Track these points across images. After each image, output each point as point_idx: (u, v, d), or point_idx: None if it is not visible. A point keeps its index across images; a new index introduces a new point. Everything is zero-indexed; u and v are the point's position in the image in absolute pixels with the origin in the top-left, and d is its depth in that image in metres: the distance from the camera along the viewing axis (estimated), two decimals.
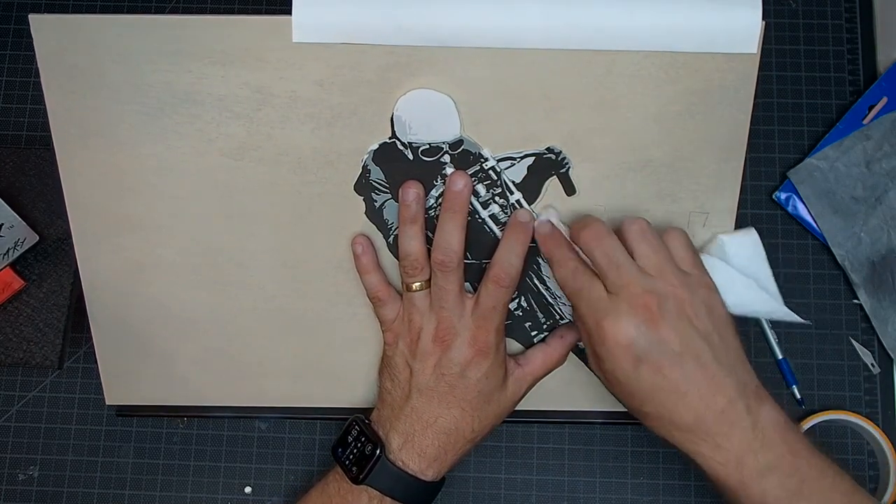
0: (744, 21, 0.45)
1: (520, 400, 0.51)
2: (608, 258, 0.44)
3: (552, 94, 0.47)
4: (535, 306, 0.52)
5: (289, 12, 0.45)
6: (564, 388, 0.55)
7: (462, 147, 0.49)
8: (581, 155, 0.49)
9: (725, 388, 0.42)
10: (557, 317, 0.52)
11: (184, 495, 0.58)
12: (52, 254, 0.57)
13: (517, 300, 0.52)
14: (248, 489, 0.58)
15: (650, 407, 0.44)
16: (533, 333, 0.53)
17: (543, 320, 0.53)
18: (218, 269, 0.52)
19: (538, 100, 0.47)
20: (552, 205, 0.50)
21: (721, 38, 0.46)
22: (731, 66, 0.46)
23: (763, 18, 0.45)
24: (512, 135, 0.48)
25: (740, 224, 0.51)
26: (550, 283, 0.52)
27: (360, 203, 0.50)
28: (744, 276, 0.48)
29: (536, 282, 0.52)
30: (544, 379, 0.53)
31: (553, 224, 0.49)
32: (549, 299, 0.52)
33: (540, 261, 0.51)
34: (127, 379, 0.55)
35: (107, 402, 0.56)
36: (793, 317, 0.50)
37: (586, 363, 0.53)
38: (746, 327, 0.59)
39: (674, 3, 0.45)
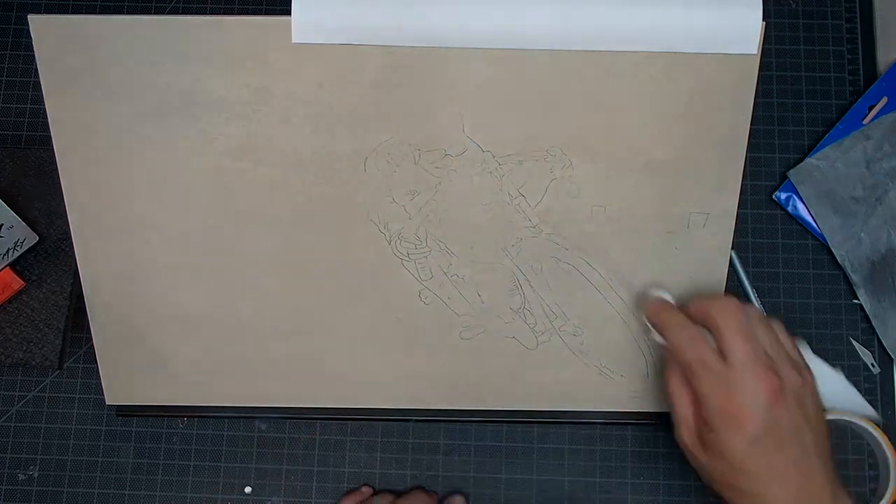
0: (744, 21, 0.45)
1: None
2: (742, 332, 0.44)
3: (552, 95, 0.47)
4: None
5: (288, 13, 0.45)
6: (564, 388, 0.55)
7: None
8: (581, 156, 0.49)
9: (819, 475, 0.43)
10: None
11: (184, 495, 0.58)
12: (51, 254, 0.57)
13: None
14: (248, 489, 0.58)
15: (747, 484, 0.44)
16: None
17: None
18: (218, 269, 0.52)
19: (538, 101, 0.47)
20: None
21: (721, 38, 0.46)
22: (731, 66, 0.46)
23: (763, 18, 0.45)
24: (512, 136, 0.48)
25: (740, 224, 0.51)
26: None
27: (359, 202, 0.50)
28: (833, 371, 0.50)
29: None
30: (544, 379, 0.53)
31: (666, 299, 0.50)
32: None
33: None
34: (127, 379, 0.55)
35: (107, 402, 0.56)
36: (872, 412, 0.52)
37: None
38: None
39: (674, 4, 0.45)
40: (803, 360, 0.47)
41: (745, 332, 0.44)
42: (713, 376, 0.44)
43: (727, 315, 0.45)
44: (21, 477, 0.59)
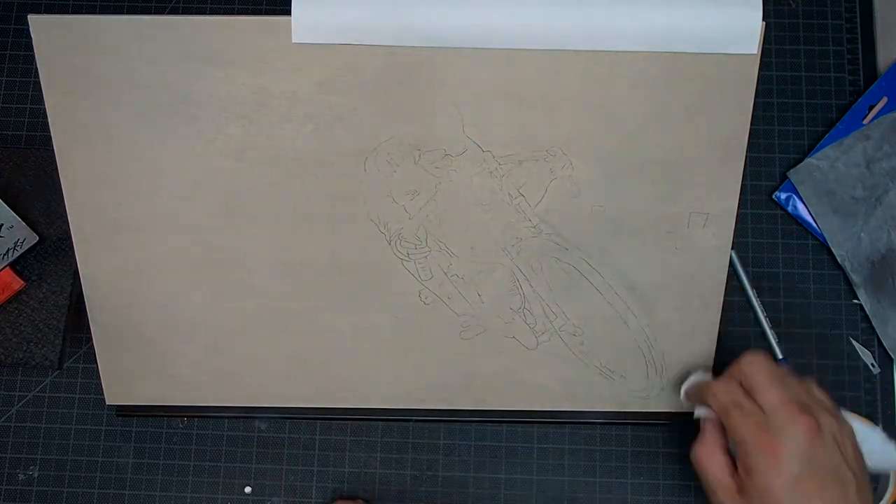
0: (744, 21, 0.45)
1: None
2: (773, 378, 0.45)
3: (552, 95, 0.47)
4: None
5: (288, 13, 0.45)
6: (564, 389, 0.55)
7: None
8: (581, 155, 0.49)
9: None
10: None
11: (184, 495, 0.58)
12: (51, 254, 0.57)
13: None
14: (248, 489, 0.58)
15: None
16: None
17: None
18: (218, 269, 0.52)
19: (538, 100, 0.47)
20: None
21: (721, 38, 0.46)
22: (731, 66, 0.46)
23: (763, 18, 0.45)
24: (512, 136, 0.48)
25: (740, 224, 0.51)
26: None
27: (359, 202, 0.50)
28: (881, 432, 0.49)
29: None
30: (544, 379, 0.53)
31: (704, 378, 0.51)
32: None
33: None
34: (127, 379, 0.55)
35: (107, 402, 0.56)
36: None
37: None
38: (746, 327, 0.59)
39: (674, 4, 0.45)
40: (840, 412, 0.47)
41: (776, 378, 0.45)
42: (750, 418, 0.44)
43: (756, 366, 0.46)
44: (21, 477, 0.59)
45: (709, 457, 0.47)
